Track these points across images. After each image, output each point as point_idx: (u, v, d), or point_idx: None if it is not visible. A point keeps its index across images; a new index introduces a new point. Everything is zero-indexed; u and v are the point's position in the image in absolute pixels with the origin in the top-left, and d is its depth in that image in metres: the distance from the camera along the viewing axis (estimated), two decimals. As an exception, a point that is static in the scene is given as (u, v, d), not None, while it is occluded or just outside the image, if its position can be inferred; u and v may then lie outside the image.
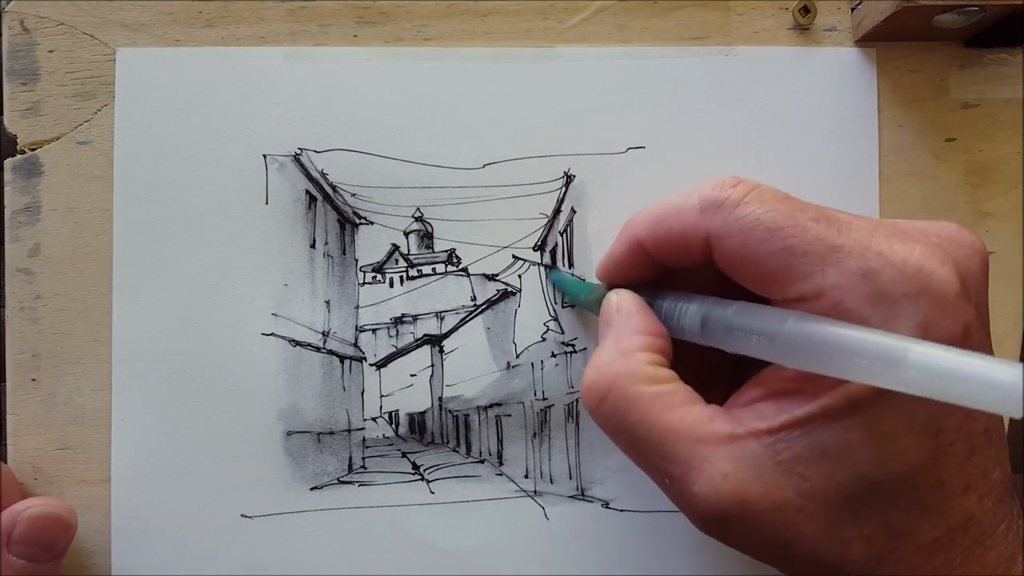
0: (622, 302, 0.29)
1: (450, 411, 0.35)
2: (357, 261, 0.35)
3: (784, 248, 0.24)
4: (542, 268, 0.35)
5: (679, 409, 0.26)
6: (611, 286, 0.31)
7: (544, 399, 0.35)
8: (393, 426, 0.35)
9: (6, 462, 0.33)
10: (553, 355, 0.35)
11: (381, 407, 0.35)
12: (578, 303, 0.34)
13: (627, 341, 0.27)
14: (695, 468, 0.24)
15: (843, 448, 0.24)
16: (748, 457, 0.24)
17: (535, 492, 0.35)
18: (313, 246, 0.35)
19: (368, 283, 0.35)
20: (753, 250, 0.25)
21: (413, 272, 0.35)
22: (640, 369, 0.26)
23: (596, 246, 0.35)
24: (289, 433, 0.34)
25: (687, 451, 0.25)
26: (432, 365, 0.35)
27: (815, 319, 0.23)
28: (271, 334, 0.34)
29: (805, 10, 0.35)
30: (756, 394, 0.26)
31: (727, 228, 0.26)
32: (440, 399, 0.35)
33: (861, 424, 0.23)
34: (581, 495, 0.34)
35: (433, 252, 0.35)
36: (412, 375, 0.35)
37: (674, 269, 0.30)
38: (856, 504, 0.24)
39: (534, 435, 0.35)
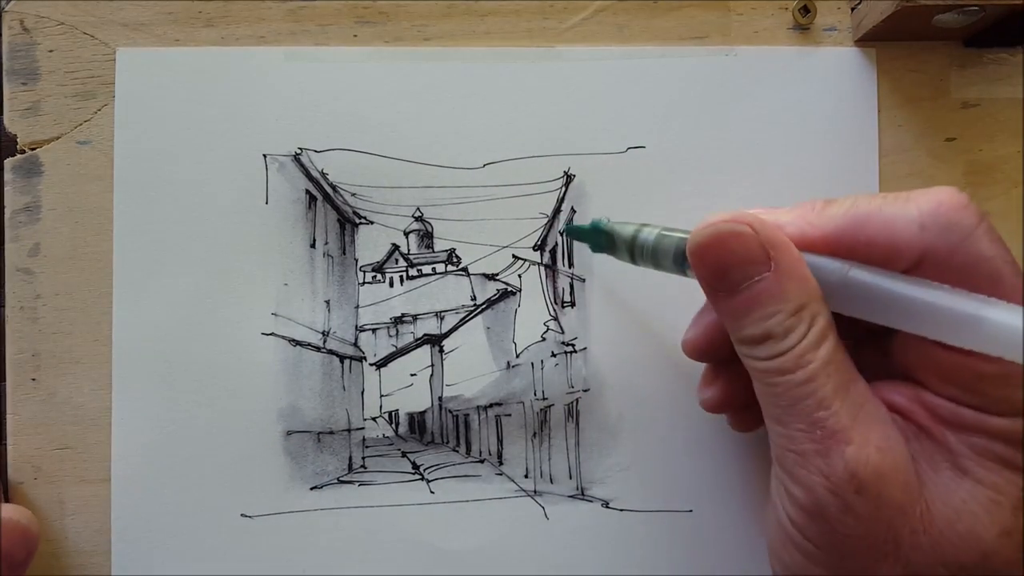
0: (770, 235, 0.25)
1: (450, 411, 0.35)
2: (357, 261, 0.35)
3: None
4: (567, 226, 0.34)
5: (854, 371, 0.25)
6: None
7: (544, 399, 0.35)
8: (393, 426, 0.35)
9: (6, 462, 0.33)
10: (553, 355, 0.35)
11: (381, 407, 0.35)
12: (640, 258, 0.30)
13: (810, 281, 0.25)
14: (855, 429, 0.24)
15: (968, 501, 0.24)
16: (898, 448, 0.24)
17: (535, 492, 0.35)
18: (313, 246, 0.35)
19: (368, 283, 0.35)
20: (972, 289, 0.24)
21: (413, 272, 0.35)
22: (830, 315, 0.25)
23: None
24: (289, 433, 0.34)
25: (853, 412, 0.24)
26: (432, 365, 0.35)
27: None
28: (271, 334, 0.34)
29: (805, 10, 0.35)
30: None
31: (952, 255, 0.24)
32: (440, 399, 0.35)
33: (991, 485, 0.24)
34: (581, 495, 0.34)
35: (433, 252, 0.35)
36: (412, 375, 0.35)
37: None
38: (961, 568, 0.24)
39: (534, 435, 0.35)
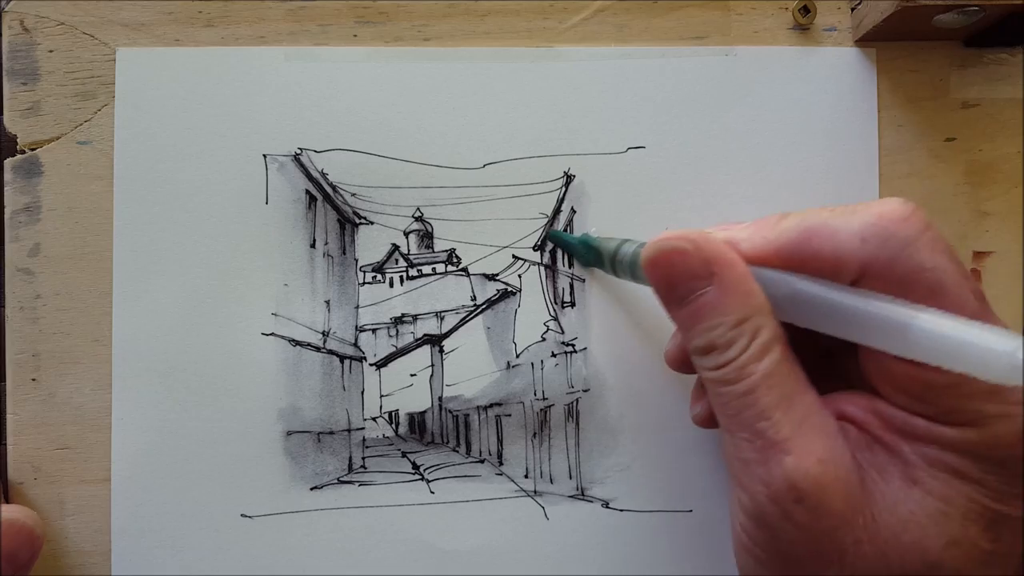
0: (712, 250, 0.26)
1: (450, 411, 0.35)
2: (357, 261, 0.35)
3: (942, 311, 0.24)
4: (549, 232, 0.35)
5: (801, 382, 0.25)
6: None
7: (544, 399, 0.35)
8: (393, 426, 0.35)
9: (6, 462, 0.33)
10: (553, 355, 0.35)
11: (381, 407, 0.35)
12: (620, 271, 0.31)
13: (753, 288, 0.26)
14: (795, 440, 0.24)
15: (916, 512, 0.24)
16: (841, 460, 0.24)
17: (535, 492, 0.35)
18: (313, 246, 0.35)
19: (368, 283, 0.35)
20: (913, 300, 0.24)
21: (413, 272, 0.35)
22: (778, 326, 0.26)
23: (596, 246, 0.35)
24: (289, 433, 0.34)
25: (795, 423, 0.24)
26: (432, 365, 0.35)
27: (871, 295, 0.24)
28: (271, 334, 0.34)
29: (805, 10, 0.35)
30: (828, 410, 0.26)
31: (889, 270, 0.24)
32: (440, 399, 0.35)
33: (940, 496, 0.24)
34: (581, 495, 0.34)
35: (433, 252, 0.35)
36: (412, 375, 0.35)
37: None
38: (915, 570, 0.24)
39: (534, 435, 0.35)
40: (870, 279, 0.25)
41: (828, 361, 0.29)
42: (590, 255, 0.34)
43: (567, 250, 0.35)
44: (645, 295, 0.34)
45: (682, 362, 0.31)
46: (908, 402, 0.25)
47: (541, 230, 0.35)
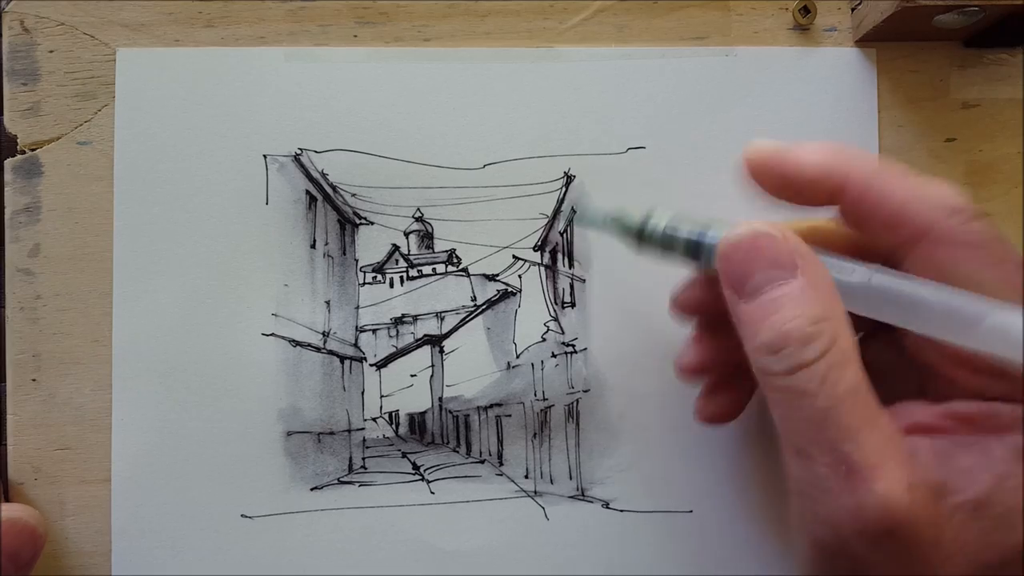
0: (799, 246, 0.25)
1: (450, 411, 0.35)
2: (357, 261, 0.35)
3: (1004, 279, 0.24)
4: (575, 207, 0.34)
5: (876, 399, 0.23)
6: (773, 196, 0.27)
7: (544, 399, 0.35)
8: (393, 426, 0.35)
9: (6, 462, 0.33)
10: (553, 355, 0.35)
11: (381, 407, 0.35)
12: (650, 241, 0.29)
13: (835, 303, 0.24)
14: (881, 465, 0.22)
15: (1009, 510, 0.23)
16: (924, 481, 0.22)
17: (535, 492, 0.35)
18: (313, 246, 0.35)
19: (368, 283, 0.35)
20: (974, 268, 0.24)
21: (413, 272, 0.35)
22: (854, 336, 0.24)
23: (596, 246, 0.35)
24: (289, 433, 0.34)
25: (880, 443, 0.22)
26: (432, 365, 0.35)
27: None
28: (271, 334, 0.34)
29: (805, 10, 0.35)
30: (898, 425, 0.24)
31: (959, 236, 0.24)
32: (440, 399, 0.35)
33: None
34: (581, 495, 0.34)
35: (433, 252, 0.35)
36: (412, 375, 0.35)
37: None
38: (997, 571, 0.23)
39: (534, 435, 0.35)
40: (930, 242, 0.24)
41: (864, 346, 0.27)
42: (609, 224, 0.30)
43: (585, 221, 0.32)
44: (646, 294, 0.34)
45: (698, 371, 0.30)
46: (988, 382, 0.24)
47: (542, 230, 0.35)
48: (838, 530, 0.23)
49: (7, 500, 0.33)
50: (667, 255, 0.28)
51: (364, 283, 0.35)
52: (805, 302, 0.24)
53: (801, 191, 0.27)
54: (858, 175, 0.26)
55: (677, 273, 0.33)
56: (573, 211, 0.34)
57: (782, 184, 0.27)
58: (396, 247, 0.35)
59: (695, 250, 0.27)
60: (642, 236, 0.29)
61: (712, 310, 0.29)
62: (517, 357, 0.35)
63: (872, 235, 0.26)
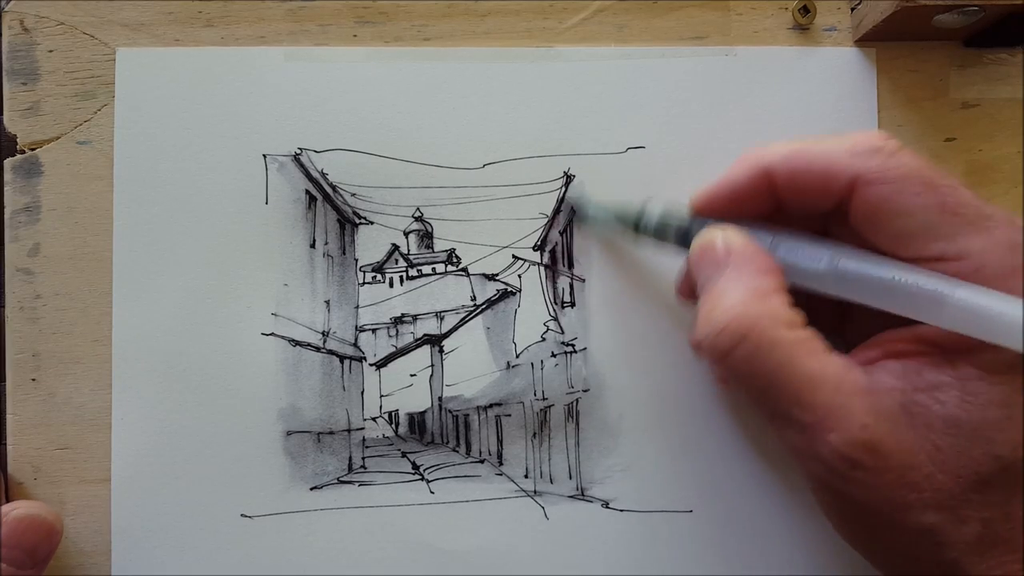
0: (732, 241, 0.28)
1: (450, 411, 0.35)
2: (357, 261, 0.35)
3: (938, 203, 0.25)
4: (573, 199, 0.34)
5: (819, 356, 0.25)
6: (704, 216, 0.30)
7: (544, 399, 0.35)
8: (393, 426, 0.35)
9: (6, 462, 0.33)
10: (553, 355, 0.35)
11: (381, 407, 0.35)
12: (644, 230, 0.31)
13: (759, 281, 0.26)
14: (833, 415, 0.24)
15: (979, 424, 0.24)
16: (885, 412, 0.24)
17: (535, 492, 0.35)
18: (313, 246, 0.35)
19: (368, 283, 0.35)
20: (905, 201, 0.25)
21: (413, 272, 0.35)
22: (781, 311, 0.26)
23: (596, 246, 0.35)
24: (289, 433, 0.34)
25: (827, 399, 0.24)
26: (432, 365, 0.35)
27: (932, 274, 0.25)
28: (271, 334, 0.34)
29: (805, 10, 0.35)
30: (874, 355, 0.26)
31: (881, 174, 0.26)
32: (440, 399, 0.35)
33: (999, 401, 0.24)
34: (581, 495, 0.34)
35: (433, 252, 0.35)
36: (412, 375, 0.35)
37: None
38: (984, 484, 0.24)
39: (534, 435, 0.35)
40: (863, 188, 0.26)
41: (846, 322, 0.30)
42: (607, 218, 0.33)
43: (582, 214, 0.34)
44: (646, 294, 0.34)
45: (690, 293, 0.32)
46: None
47: (541, 230, 0.35)
48: (816, 475, 0.26)
49: (8, 500, 0.33)
50: (661, 245, 0.31)
51: (364, 283, 0.35)
52: (725, 294, 0.26)
53: (743, 206, 0.29)
54: (777, 159, 0.28)
55: (675, 271, 0.33)
56: (572, 210, 0.34)
57: (727, 211, 0.29)
58: (396, 247, 0.35)
59: (684, 239, 0.30)
60: (638, 228, 0.31)
61: None
62: (517, 357, 0.35)
63: (817, 206, 0.28)
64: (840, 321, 0.31)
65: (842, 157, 0.26)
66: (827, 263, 0.27)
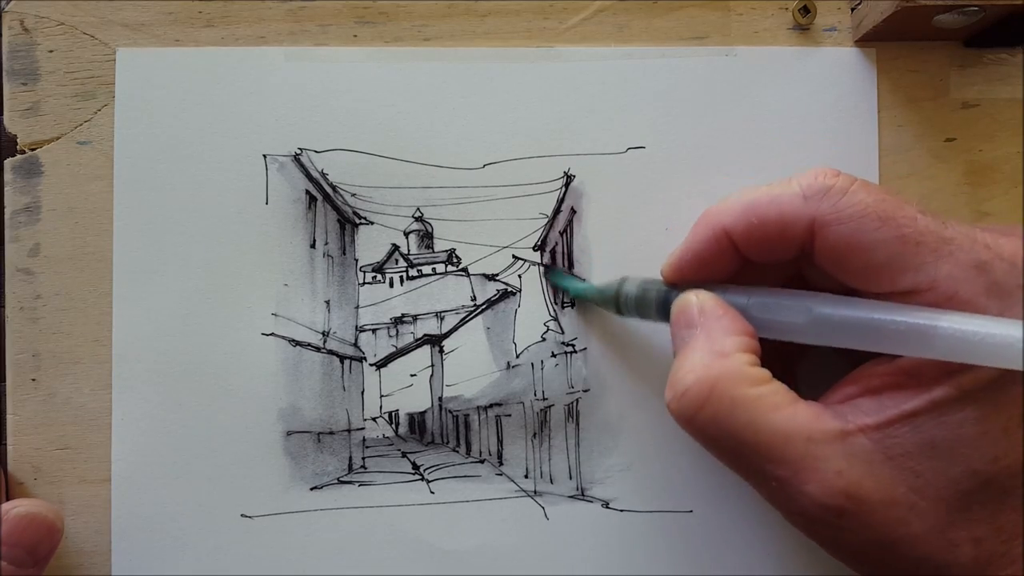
0: (704, 302, 0.28)
1: (450, 411, 0.35)
2: (357, 261, 0.35)
3: (898, 237, 0.25)
4: (541, 271, 0.35)
5: (786, 409, 0.25)
6: (678, 284, 0.30)
7: (544, 399, 0.35)
8: (393, 426, 0.35)
9: (6, 462, 0.33)
10: (553, 355, 0.35)
11: (381, 407, 0.35)
12: (626, 309, 0.32)
13: (721, 342, 0.26)
14: (807, 468, 0.24)
15: (955, 442, 0.24)
16: (860, 454, 0.24)
17: (535, 492, 0.35)
18: (313, 246, 0.35)
19: (368, 283, 0.35)
20: (865, 238, 0.25)
21: (413, 272, 0.35)
22: (741, 370, 0.25)
23: (596, 246, 0.35)
24: (289, 433, 0.34)
25: (798, 451, 0.24)
26: (432, 365, 0.35)
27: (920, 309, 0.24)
28: (271, 334, 0.34)
29: (805, 10, 0.35)
30: (852, 391, 0.26)
31: (836, 215, 0.25)
32: (440, 399, 0.35)
33: (974, 418, 0.24)
34: (581, 495, 0.34)
35: (433, 252, 0.35)
36: (412, 375, 0.35)
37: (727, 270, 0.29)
38: (968, 502, 0.24)
39: (534, 435, 0.35)
40: (821, 231, 0.26)
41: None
42: (590, 295, 0.34)
43: (564, 289, 0.35)
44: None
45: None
46: None
47: (541, 230, 0.35)
48: (802, 524, 0.26)
49: (8, 499, 0.33)
50: (646, 319, 0.31)
51: (364, 283, 0.35)
52: (690, 356, 0.26)
53: (710, 268, 0.29)
54: (730, 219, 0.28)
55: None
56: (572, 210, 0.34)
57: (697, 275, 0.29)
58: (396, 247, 0.35)
59: (665, 311, 0.30)
60: (619, 309, 0.32)
61: None
62: (517, 357, 0.35)
63: (780, 255, 0.28)
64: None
65: (794, 204, 0.26)
66: (805, 315, 0.26)
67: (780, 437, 0.24)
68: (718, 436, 0.26)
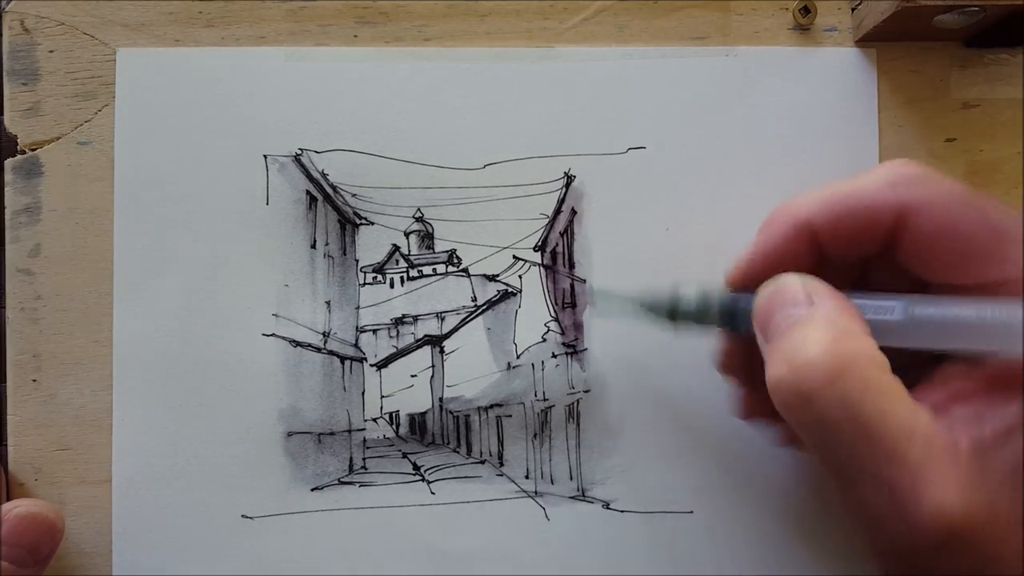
0: (814, 285, 0.25)
1: (451, 412, 0.35)
2: (358, 262, 0.35)
3: (987, 224, 0.23)
4: (590, 290, 0.34)
5: (912, 407, 0.22)
6: (746, 289, 0.27)
7: (545, 400, 0.35)
8: (394, 427, 0.35)
9: (7, 463, 0.33)
10: (554, 355, 0.35)
11: (382, 408, 0.35)
12: (684, 316, 0.29)
13: (849, 322, 0.24)
14: (926, 478, 0.21)
15: None
16: (978, 471, 0.21)
17: (536, 493, 0.35)
18: (314, 246, 0.35)
19: (369, 283, 0.35)
20: (959, 223, 0.24)
21: (414, 272, 0.35)
22: (876, 353, 0.23)
23: (596, 247, 0.35)
24: (290, 434, 0.34)
25: (919, 455, 0.21)
26: (432, 366, 0.35)
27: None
28: (272, 335, 0.34)
29: (805, 10, 0.35)
30: (940, 397, 0.24)
31: (928, 200, 0.24)
32: (440, 400, 0.35)
33: None
34: (582, 496, 0.34)
35: (434, 252, 0.35)
36: (413, 376, 0.35)
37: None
38: None
39: (535, 436, 0.35)
40: (913, 218, 0.24)
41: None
42: (643, 306, 0.31)
43: (608, 306, 0.33)
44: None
45: (755, 410, 0.30)
46: None
47: (542, 231, 0.35)
48: (901, 550, 0.22)
49: (9, 499, 0.33)
50: (701, 328, 0.29)
51: (364, 283, 0.35)
52: (812, 333, 0.23)
53: (785, 269, 0.27)
54: (814, 211, 0.26)
55: (684, 269, 0.33)
56: (573, 210, 0.34)
57: (770, 278, 0.27)
58: (396, 247, 0.35)
59: (730, 318, 0.28)
60: (674, 316, 0.29)
61: (749, 366, 0.30)
62: (517, 357, 0.35)
63: (862, 250, 0.26)
64: None
65: (883, 192, 0.25)
66: (900, 313, 0.24)
67: (905, 434, 0.21)
68: (841, 420, 0.22)
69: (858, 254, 0.27)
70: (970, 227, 0.24)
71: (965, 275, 0.24)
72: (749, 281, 0.27)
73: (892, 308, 0.25)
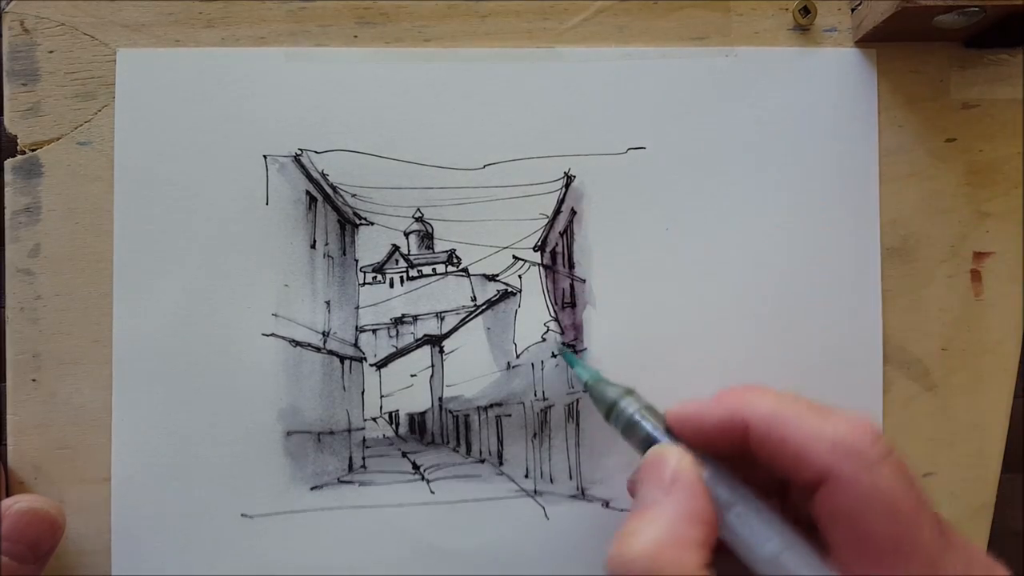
0: (685, 471, 0.26)
1: (450, 411, 0.35)
2: (357, 261, 0.35)
3: (895, 536, 0.24)
4: (558, 343, 0.35)
5: None
6: (671, 430, 0.29)
7: (544, 399, 0.35)
8: (393, 426, 0.35)
9: (6, 462, 0.33)
10: (553, 355, 0.35)
11: (381, 407, 0.35)
12: (614, 423, 0.30)
13: (685, 529, 0.25)
14: None
15: None
16: None
17: (535, 492, 0.35)
18: (313, 246, 0.35)
19: (368, 283, 0.35)
20: (865, 524, 0.24)
21: (413, 272, 0.35)
22: (694, 570, 0.24)
23: (596, 247, 0.35)
24: (289, 433, 0.34)
25: None
26: (432, 365, 0.35)
27: None
28: (271, 334, 0.34)
29: (805, 11, 0.35)
30: None
31: (852, 483, 0.24)
32: (440, 399, 0.35)
33: None
34: (581, 495, 0.34)
35: (433, 252, 0.35)
36: (412, 375, 0.35)
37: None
38: None
39: (534, 435, 0.35)
40: (830, 485, 0.25)
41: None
42: (590, 388, 0.32)
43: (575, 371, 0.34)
44: (646, 295, 0.35)
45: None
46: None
47: (542, 231, 0.35)
48: None
49: (9, 495, 0.33)
50: (626, 439, 0.30)
51: (364, 283, 0.35)
52: (649, 527, 0.25)
53: (712, 440, 0.28)
54: (756, 418, 0.27)
55: (677, 284, 0.33)
56: (572, 210, 0.35)
57: (697, 438, 0.28)
58: (396, 247, 0.35)
59: (648, 446, 0.29)
60: (608, 416, 0.31)
61: None
62: (517, 357, 0.35)
63: (782, 473, 0.27)
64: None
65: (819, 447, 0.25)
66: (771, 551, 0.25)
67: None
68: None
69: (780, 475, 0.27)
70: (874, 532, 0.24)
71: (857, 561, 0.25)
72: (681, 430, 0.28)
73: (767, 540, 0.26)
